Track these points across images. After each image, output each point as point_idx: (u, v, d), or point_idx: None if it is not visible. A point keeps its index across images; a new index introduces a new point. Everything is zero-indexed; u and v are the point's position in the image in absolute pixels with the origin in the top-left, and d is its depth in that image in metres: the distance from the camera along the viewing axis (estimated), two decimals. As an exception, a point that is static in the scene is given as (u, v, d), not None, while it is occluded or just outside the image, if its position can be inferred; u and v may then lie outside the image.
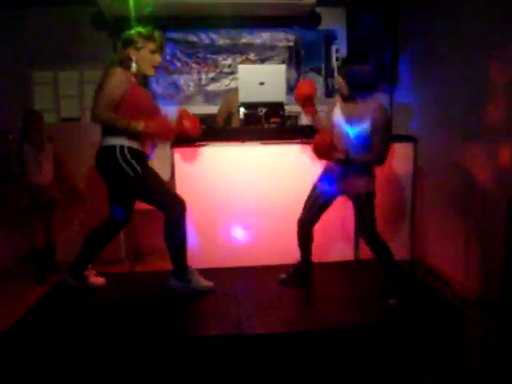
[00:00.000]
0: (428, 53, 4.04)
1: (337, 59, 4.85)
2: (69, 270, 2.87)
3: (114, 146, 2.54)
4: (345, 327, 2.41)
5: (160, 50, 2.67)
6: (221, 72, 4.70)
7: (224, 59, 4.72)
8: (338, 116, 2.69)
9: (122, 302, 2.74)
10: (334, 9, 4.73)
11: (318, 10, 4.66)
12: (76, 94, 4.67)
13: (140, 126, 2.49)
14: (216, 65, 4.72)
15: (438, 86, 3.87)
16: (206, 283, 2.82)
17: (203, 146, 3.30)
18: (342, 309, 2.60)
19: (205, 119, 4.66)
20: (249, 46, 4.74)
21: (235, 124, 3.92)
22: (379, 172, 2.84)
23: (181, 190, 3.29)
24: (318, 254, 3.21)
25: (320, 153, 2.65)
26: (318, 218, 2.91)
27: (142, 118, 2.51)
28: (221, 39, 4.72)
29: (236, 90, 3.80)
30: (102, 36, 4.51)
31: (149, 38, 2.60)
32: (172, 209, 2.66)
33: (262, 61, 4.75)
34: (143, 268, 4.10)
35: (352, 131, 2.61)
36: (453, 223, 3.68)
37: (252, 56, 4.70)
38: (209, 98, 4.76)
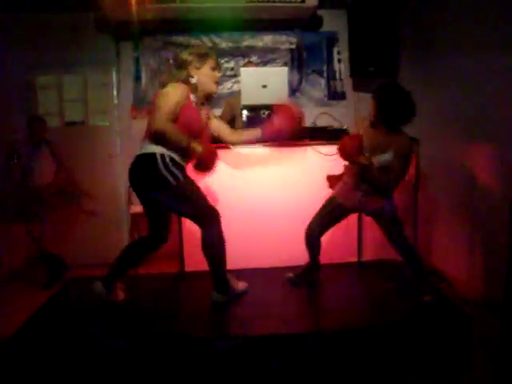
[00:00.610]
0: (429, 55, 4.05)
1: (339, 61, 4.87)
2: (103, 279, 2.72)
3: (154, 154, 2.48)
4: (348, 328, 2.42)
5: (218, 66, 2.71)
6: (223, 75, 4.71)
7: (226, 62, 4.74)
8: (388, 156, 2.62)
9: (125, 303, 2.75)
10: (336, 11, 4.75)
11: (320, 12, 4.69)
12: (80, 98, 4.70)
13: (199, 148, 2.47)
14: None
15: (440, 89, 3.87)
16: (241, 286, 2.87)
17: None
18: (346, 310, 2.61)
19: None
20: (251, 49, 4.76)
21: (238, 127, 3.93)
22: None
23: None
24: (321, 256, 3.22)
25: (346, 154, 2.65)
26: (328, 229, 2.93)
27: (190, 137, 2.50)
28: (223, 42, 4.74)
29: (238, 92, 3.82)
30: (106, 40, 4.55)
31: (207, 55, 2.64)
32: (209, 222, 2.61)
33: (265, 63, 4.77)
34: (147, 270, 4.11)
35: (379, 162, 2.61)
36: (456, 224, 3.69)
37: (254, 59, 4.72)
38: (211, 100, 4.76)
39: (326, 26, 4.85)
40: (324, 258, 3.34)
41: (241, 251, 3.37)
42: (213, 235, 2.63)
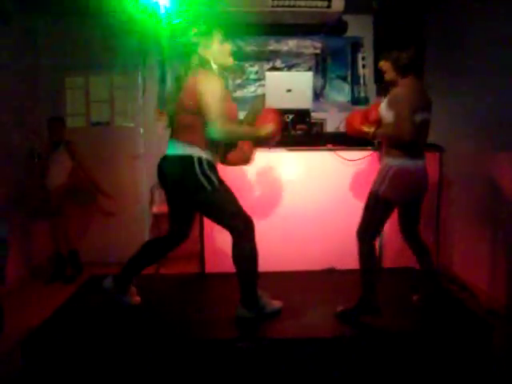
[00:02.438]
0: (456, 61, 4.01)
1: (363, 67, 4.85)
2: (116, 276, 2.70)
3: (191, 157, 2.40)
4: (367, 335, 2.41)
5: (224, 37, 2.53)
6: (247, 78, 4.75)
7: (251, 66, 4.78)
8: (383, 107, 2.62)
9: (145, 303, 2.78)
10: (361, 16, 4.74)
11: (345, 17, 4.68)
12: (106, 99, 4.78)
13: (270, 129, 2.45)
14: (243, 71, 4.78)
15: (465, 95, 3.83)
16: (276, 304, 2.67)
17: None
18: (365, 317, 2.60)
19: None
20: (275, 53, 4.79)
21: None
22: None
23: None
24: (341, 262, 3.22)
25: (351, 129, 2.69)
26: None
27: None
28: (248, 46, 4.77)
29: (262, 96, 3.83)
30: (132, 43, 4.62)
31: (211, 30, 2.49)
32: (242, 232, 2.48)
33: (289, 68, 4.79)
34: (168, 271, 4.16)
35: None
36: (479, 233, 3.64)
37: (278, 63, 4.75)
38: (235, 103, 4.80)
39: (351, 31, 4.83)
40: (343, 264, 3.34)
41: (262, 254, 3.39)
42: (244, 247, 2.48)
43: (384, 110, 2.57)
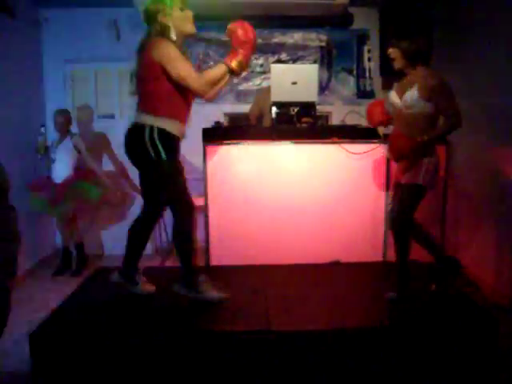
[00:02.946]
0: (462, 56, 3.98)
1: (369, 59, 4.83)
2: (120, 270, 2.71)
3: (143, 126, 2.38)
4: (372, 327, 2.42)
5: (185, 4, 2.46)
6: (253, 71, 4.73)
7: (256, 59, 4.76)
8: (393, 97, 2.66)
9: (151, 295, 2.79)
10: (367, 9, 4.71)
11: (351, 10, 4.65)
12: (113, 91, 4.78)
13: (239, 57, 2.44)
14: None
15: (471, 91, 3.80)
16: (216, 294, 2.62)
17: (234, 143, 3.35)
18: (370, 309, 2.60)
19: (237, 118, 4.73)
20: (281, 46, 4.77)
21: (266, 123, 3.95)
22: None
23: (211, 186, 3.36)
24: (347, 254, 3.22)
25: (373, 121, 2.76)
26: None
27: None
28: (253, 39, 4.75)
29: (267, 88, 3.83)
30: (139, 36, 4.61)
31: None
32: (182, 212, 2.48)
33: (294, 61, 4.77)
34: (173, 263, 4.18)
35: (404, 104, 2.58)
36: (484, 227, 3.63)
37: (284, 56, 4.73)
38: (240, 96, 4.81)
39: (357, 24, 4.81)
40: (349, 257, 3.34)
41: (267, 247, 3.40)
42: (181, 227, 2.49)
43: (411, 94, 2.53)
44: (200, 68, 4.68)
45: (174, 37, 2.40)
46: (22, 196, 3.85)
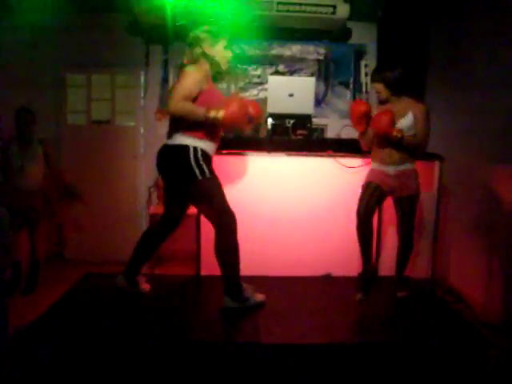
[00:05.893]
0: (458, 72, 4.01)
1: (366, 74, 4.85)
2: (124, 272, 2.84)
3: (187, 146, 2.52)
4: (361, 343, 2.40)
5: (229, 45, 2.66)
6: (250, 82, 4.75)
7: (254, 70, 4.77)
8: (409, 118, 2.82)
9: (139, 303, 2.77)
10: (366, 24, 4.74)
11: (350, 24, 4.68)
12: (108, 97, 4.78)
13: (220, 113, 2.43)
14: (246, 75, 4.77)
15: (466, 107, 3.83)
16: (259, 297, 2.76)
17: (228, 154, 3.34)
18: (360, 324, 2.59)
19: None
20: (279, 58, 4.79)
21: (262, 134, 3.95)
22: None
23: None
24: (338, 268, 3.20)
25: (380, 129, 2.77)
26: (375, 211, 2.98)
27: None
28: (251, 50, 4.77)
29: (264, 100, 3.84)
30: (136, 42, 4.62)
31: (220, 34, 2.60)
32: (225, 225, 2.59)
33: (292, 73, 4.79)
34: (162, 271, 4.14)
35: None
36: (476, 244, 3.63)
37: (281, 67, 4.75)
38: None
39: (355, 38, 4.84)
40: (341, 271, 3.33)
41: (259, 259, 3.38)
42: (228, 241, 2.61)
43: (408, 120, 2.79)
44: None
45: (207, 67, 2.60)
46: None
